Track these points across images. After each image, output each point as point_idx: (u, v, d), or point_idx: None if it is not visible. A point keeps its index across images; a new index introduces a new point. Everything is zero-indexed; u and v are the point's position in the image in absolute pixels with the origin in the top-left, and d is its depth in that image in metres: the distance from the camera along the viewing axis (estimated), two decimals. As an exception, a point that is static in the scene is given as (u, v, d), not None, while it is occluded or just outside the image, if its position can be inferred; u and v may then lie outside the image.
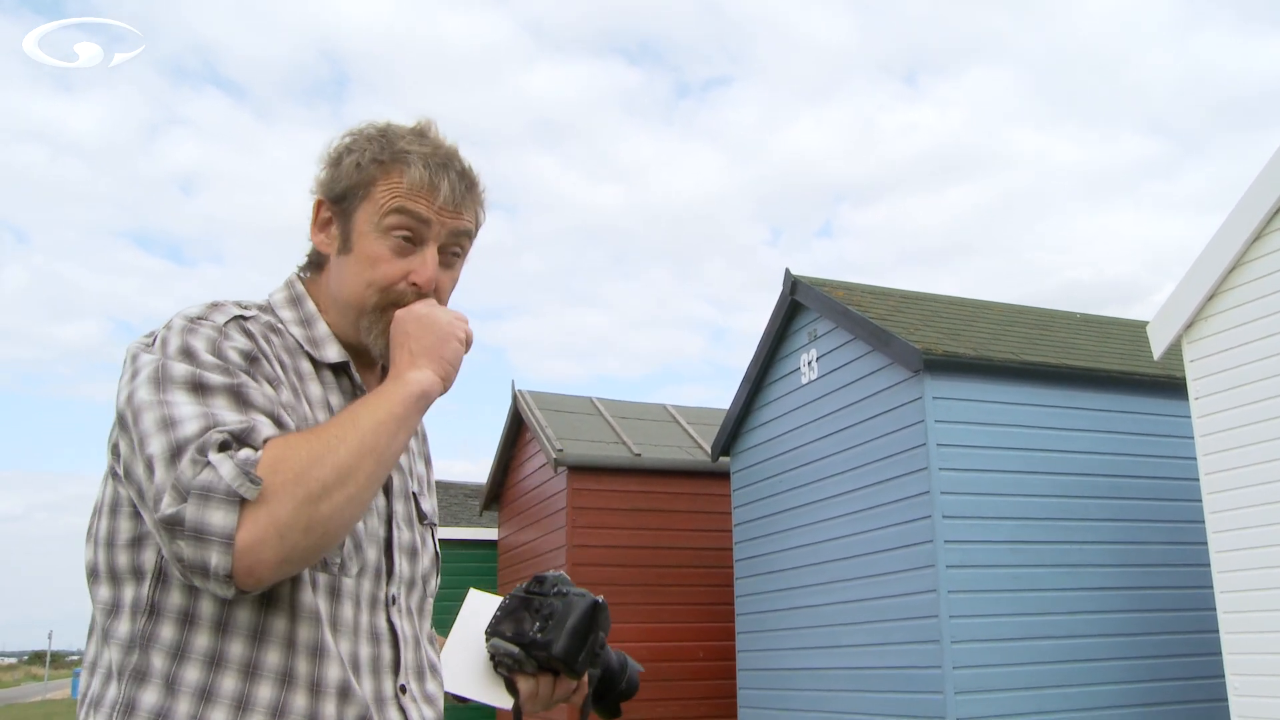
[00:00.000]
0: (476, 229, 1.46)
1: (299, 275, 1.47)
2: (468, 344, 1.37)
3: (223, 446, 1.13)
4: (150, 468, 1.14)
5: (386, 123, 1.42)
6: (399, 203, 1.35)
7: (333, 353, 1.39)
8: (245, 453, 1.13)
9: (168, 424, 1.15)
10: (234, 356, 1.24)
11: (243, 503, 1.10)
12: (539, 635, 1.43)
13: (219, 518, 1.09)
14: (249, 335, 1.29)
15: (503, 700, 1.47)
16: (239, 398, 1.20)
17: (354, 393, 1.40)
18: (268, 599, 1.21)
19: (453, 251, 1.42)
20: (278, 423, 1.21)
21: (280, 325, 1.37)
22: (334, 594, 1.27)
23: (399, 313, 1.35)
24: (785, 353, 9.76)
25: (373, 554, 1.33)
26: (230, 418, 1.16)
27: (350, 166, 1.37)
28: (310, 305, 1.41)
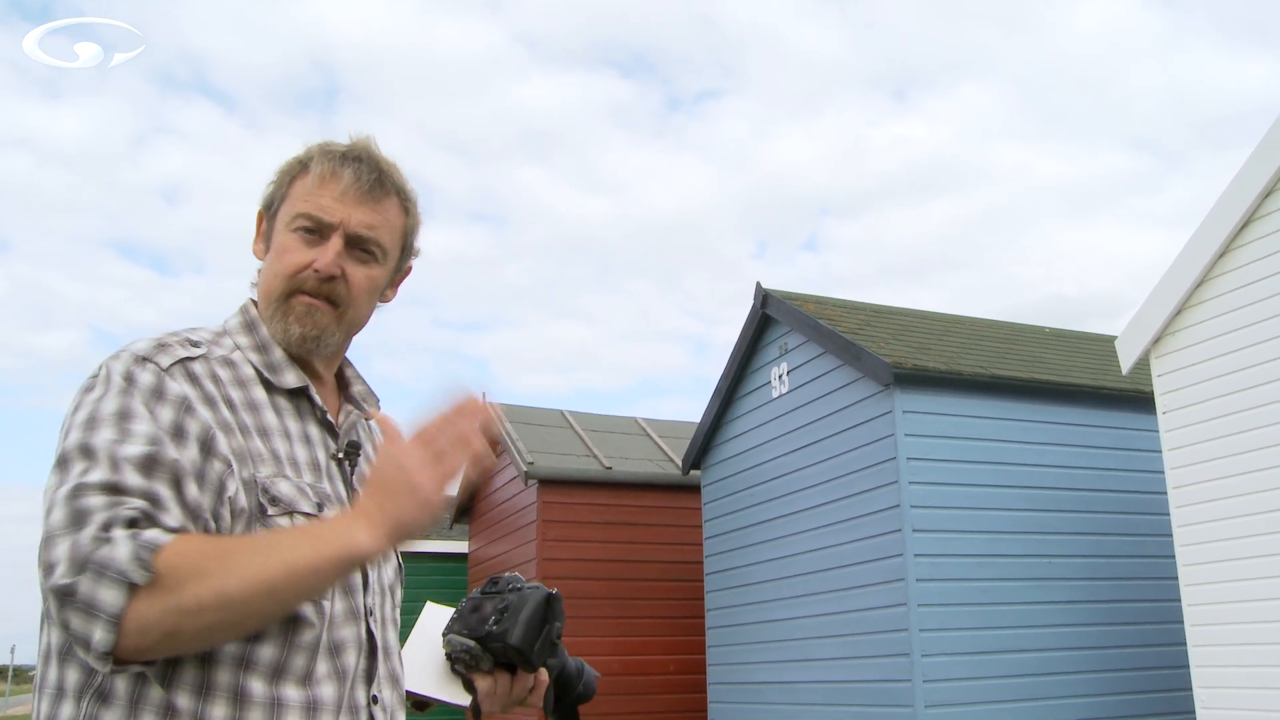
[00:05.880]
0: (405, 229, 1.48)
1: (252, 301, 1.47)
2: (445, 477, 1.22)
3: (131, 523, 1.13)
4: (51, 534, 1.13)
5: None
6: (304, 198, 1.41)
7: (291, 378, 1.39)
8: (152, 534, 1.13)
9: (79, 490, 1.14)
10: (166, 412, 1.23)
11: (133, 586, 1.10)
12: (494, 628, 1.41)
13: (110, 596, 1.09)
14: (192, 379, 1.29)
15: (460, 698, 1.44)
16: (156, 463, 1.19)
17: (314, 413, 1.41)
18: (208, 656, 1.20)
19: (367, 249, 1.42)
20: (189, 511, 1.19)
21: (235, 354, 1.37)
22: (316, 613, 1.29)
23: (384, 449, 1.25)
24: (756, 366, 9.77)
25: None
26: (137, 484, 1.16)
27: (277, 176, 1.46)
28: (264, 331, 1.41)
